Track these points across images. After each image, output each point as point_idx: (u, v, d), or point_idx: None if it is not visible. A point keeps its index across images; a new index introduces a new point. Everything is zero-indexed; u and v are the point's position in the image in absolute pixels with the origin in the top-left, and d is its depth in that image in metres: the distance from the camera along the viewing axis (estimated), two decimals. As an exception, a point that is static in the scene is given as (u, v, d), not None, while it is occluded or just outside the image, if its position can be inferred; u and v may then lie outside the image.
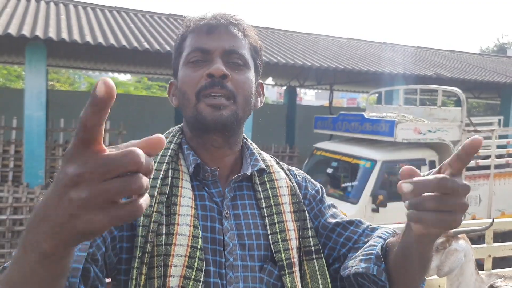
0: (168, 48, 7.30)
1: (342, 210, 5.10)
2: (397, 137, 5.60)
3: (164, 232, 0.89)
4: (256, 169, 1.02)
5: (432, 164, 5.85)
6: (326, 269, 1.03)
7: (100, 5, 9.87)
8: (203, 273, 0.89)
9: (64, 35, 6.73)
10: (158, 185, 0.92)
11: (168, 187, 0.93)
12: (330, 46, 11.64)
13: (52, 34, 6.63)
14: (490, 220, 2.50)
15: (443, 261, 2.48)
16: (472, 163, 6.11)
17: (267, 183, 1.04)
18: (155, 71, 13.48)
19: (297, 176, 1.15)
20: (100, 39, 7.02)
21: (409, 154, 5.83)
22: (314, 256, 1.04)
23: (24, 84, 7.04)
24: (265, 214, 1.00)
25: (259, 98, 1.08)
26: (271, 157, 1.14)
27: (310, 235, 1.05)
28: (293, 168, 1.18)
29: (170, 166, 0.96)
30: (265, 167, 1.04)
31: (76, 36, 6.89)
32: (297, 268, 0.99)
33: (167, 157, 0.97)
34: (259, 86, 1.09)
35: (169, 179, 0.94)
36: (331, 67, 8.74)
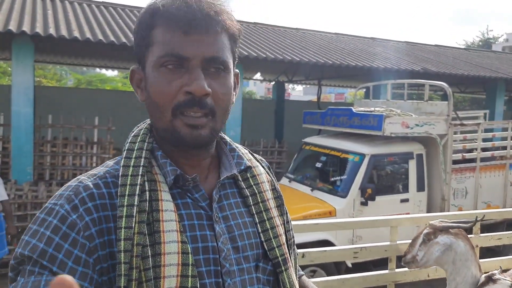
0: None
1: (331, 204, 5.14)
2: (385, 131, 5.67)
3: (150, 253, 0.81)
4: (242, 167, 0.98)
5: (419, 158, 5.94)
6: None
7: (87, 0, 9.78)
8: None
9: (52, 31, 6.67)
10: (136, 203, 0.82)
11: (147, 202, 0.83)
12: (318, 41, 11.68)
13: (39, 29, 6.56)
14: (476, 211, 2.59)
15: (425, 252, 2.63)
16: (459, 156, 6.21)
17: (250, 179, 1.01)
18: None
19: (270, 168, 1.12)
20: (88, 35, 6.97)
21: (397, 148, 5.91)
22: (293, 248, 1.07)
23: (11, 80, 6.96)
24: (254, 212, 0.97)
25: (234, 93, 0.95)
26: (245, 148, 1.08)
27: (290, 228, 1.08)
28: (260, 157, 1.12)
29: (146, 178, 0.86)
30: (249, 163, 1.01)
31: (64, 32, 6.83)
32: (290, 263, 1.00)
33: (141, 168, 0.86)
34: (235, 77, 0.97)
35: (147, 193, 0.84)
36: (319, 62, 8.79)
